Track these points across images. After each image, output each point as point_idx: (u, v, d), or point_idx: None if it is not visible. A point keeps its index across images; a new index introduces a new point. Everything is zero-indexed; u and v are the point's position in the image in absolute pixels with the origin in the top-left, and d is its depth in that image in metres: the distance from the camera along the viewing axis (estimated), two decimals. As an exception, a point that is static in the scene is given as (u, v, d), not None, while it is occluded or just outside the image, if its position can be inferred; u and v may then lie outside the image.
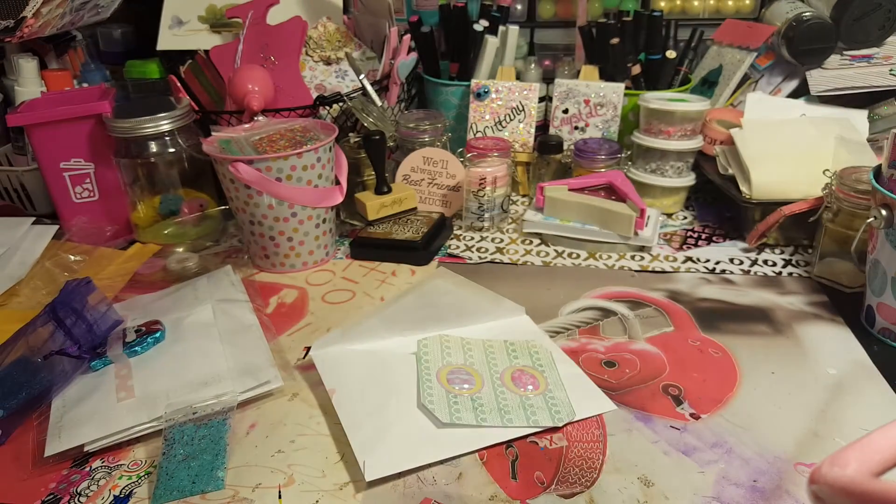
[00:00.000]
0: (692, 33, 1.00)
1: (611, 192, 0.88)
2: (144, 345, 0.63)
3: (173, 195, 0.88)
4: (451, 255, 0.85)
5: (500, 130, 0.98)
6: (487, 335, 0.66)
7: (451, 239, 0.89)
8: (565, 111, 0.98)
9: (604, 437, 0.54)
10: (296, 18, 1.00)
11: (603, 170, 0.90)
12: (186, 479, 0.50)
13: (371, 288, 0.78)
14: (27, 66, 1.03)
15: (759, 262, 0.81)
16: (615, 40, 0.96)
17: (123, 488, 0.51)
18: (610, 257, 0.83)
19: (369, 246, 0.84)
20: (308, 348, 0.65)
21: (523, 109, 0.97)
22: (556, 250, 0.85)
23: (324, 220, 0.82)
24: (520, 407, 0.56)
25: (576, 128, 0.98)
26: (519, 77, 1.05)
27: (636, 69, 0.99)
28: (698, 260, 0.81)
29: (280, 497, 0.49)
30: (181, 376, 0.60)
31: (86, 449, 0.53)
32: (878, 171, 0.64)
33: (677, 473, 0.50)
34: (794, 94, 1.01)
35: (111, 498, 0.50)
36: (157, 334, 0.65)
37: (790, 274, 0.78)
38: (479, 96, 0.98)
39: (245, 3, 1.00)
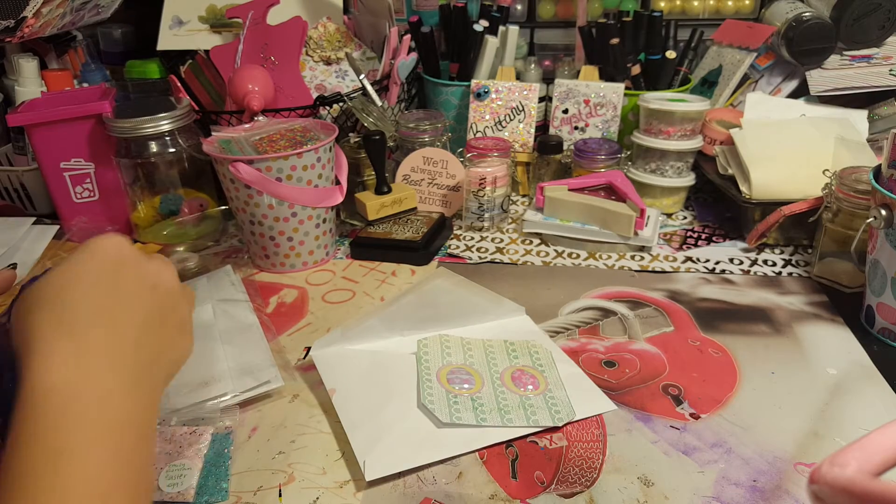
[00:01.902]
0: (692, 33, 1.00)
1: (611, 192, 0.88)
2: (145, 345, 0.63)
3: (173, 195, 0.88)
4: (451, 255, 0.85)
5: (500, 130, 0.98)
6: (487, 335, 0.66)
7: (451, 239, 0.89)
8: (565, 111, 0.98)
9: (604, 436, 0.54)
10: (296, 18, 1.00)
11: (603, 170, 0.90)
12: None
13: (371, 288, 0.78)
14: (27, 66, 1.03)
15: (759, 262, 0.81)
16: (615, 40, 0.96)
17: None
18: (610, 257, 0.83)
19: (369, 246, 0.84)
20: (308, 348, 0.65)
21: (523, 109, 0.97)
22: (556, 250, 0.85)
23: (324, 220, 0.82)
24: (520, 407, 0.56)
25: (576, 128, 0.98)
26: (519, 77, 1.05)
27: (636, 69, 0.99)
28: (698, 260, 0.82)
29: (280, 495, 0.49)
30: (181, 376, 0.59)
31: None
32: (877, 171, 0.64)
33: (677, 473, 0.50)
34: (794, 94, 1.01)
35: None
36: (158, 334, 0.64)
37: (790, 274, 0.78)
38: (479, 96, 0.98)
39: (245, 3, 1.00)
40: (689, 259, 0.82)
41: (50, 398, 0.33)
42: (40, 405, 0.33)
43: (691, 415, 0.56)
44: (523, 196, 1.02)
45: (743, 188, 0.82)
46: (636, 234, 0.82)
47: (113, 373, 0.36)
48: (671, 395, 0.59)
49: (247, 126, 0.83)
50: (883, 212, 0.61)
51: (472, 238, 0.89)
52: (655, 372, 0.62)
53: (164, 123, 0.82)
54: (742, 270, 0.79)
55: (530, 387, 0.59)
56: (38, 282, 0.38)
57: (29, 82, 1.03)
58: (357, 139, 0.93)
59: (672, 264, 0.81)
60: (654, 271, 0.80)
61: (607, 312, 0.71)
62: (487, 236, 0.89)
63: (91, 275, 0.38)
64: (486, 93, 0.98)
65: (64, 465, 0.31)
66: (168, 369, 0.42)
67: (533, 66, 1.09)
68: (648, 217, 0.85)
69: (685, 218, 0.93)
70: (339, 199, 0.82)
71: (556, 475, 0.50)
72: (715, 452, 0.52)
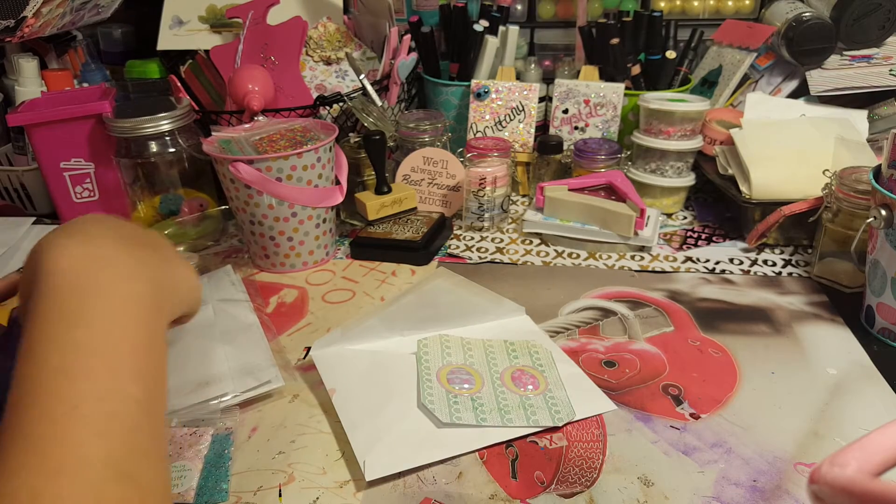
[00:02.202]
0: (692, 33, 1.00)
1: (611, 192, 0.88)
2: (145, 345, 0.63)
3: (173, 195, 0.88)
4: (451, 255, 0.85)
5: (500, 130, 0.98)
6: (487, 335, 0.66)
7: (451, 239, 0.89)
8: (565, 111, 0.98)
9: (604, 436, 0.54)
10: (296, 18, 1.00)
11: (603, 170, 0.90)
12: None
13: (371, 288, 0.78)
14: (27, 66, 1.03)
15: (759, 262, 0.81)
16: (615, 40, 0.96)
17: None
18: (610, 257, 0.83)
19: (369, 246, 0.84)
20: (308, 348, 0.65)
21: (523, 109, 0.97)
22: (556, 250, 0.85)
23: (324, 220, 0.82)
24: (520, 407, 0.56)
25: (576, 128, 0.98)
26: (519, 77, 1.05)
27: (636, 69, 0.99)
28: (698, 260, 0.82)
29: (280, 495, 0.49)
30: (181, 376, 0.60)
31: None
32: (877, 171, 0.64)
33: (677, 473, 0.50)
34: (794, 95, 1.01)
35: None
36: (158, 334, 0.64)
37: (790, 274, 0.78)
38: (479, 96, 0.98)
39: (245, 3, 1.00)
40: (689, 259, 0.82)
41: (62, 279, 0.35)
42: (53, 287, 0.35)
43: (691, 415, 0.56)
44: (523, 196, 1.02)
45: (743, 188, 0.82)
46: (636, 234, 0.82)
47: (120, 262, 0.39)
48: (671, 395, 0.59)
49: (247, 126, 0.83)
50: (883, 212, 0.61)
51: (472, 238, 0.89)
52: (655, 372, 0.62)
53: (164, 123, 0.82)
54: (742, 270, 0.79)
55: (530, 387, 0.59)
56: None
57: (29, 82, 1.03)
58: (357, 139, 0.93)
59: (672, 264, 0.81)
60: (654, 271, 0.80)
61: (607, 312, 0.71)
62: (487, 236, 0.89)
63: (93, 220, 0.42)
64: (486, 93, 0.98)
65: (81, 333, 0.34)
66: (174, 298, 0.44)
67: (533, 66, 1.09)
68: (648, 217, 0.85)
69: (685, 218, 0.93)
70: (339, 199, 0.82)
71: (556, 475, 0.50)
72: (715, 452, 0.52)
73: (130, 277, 0.38)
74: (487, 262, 0.83)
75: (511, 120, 0.98)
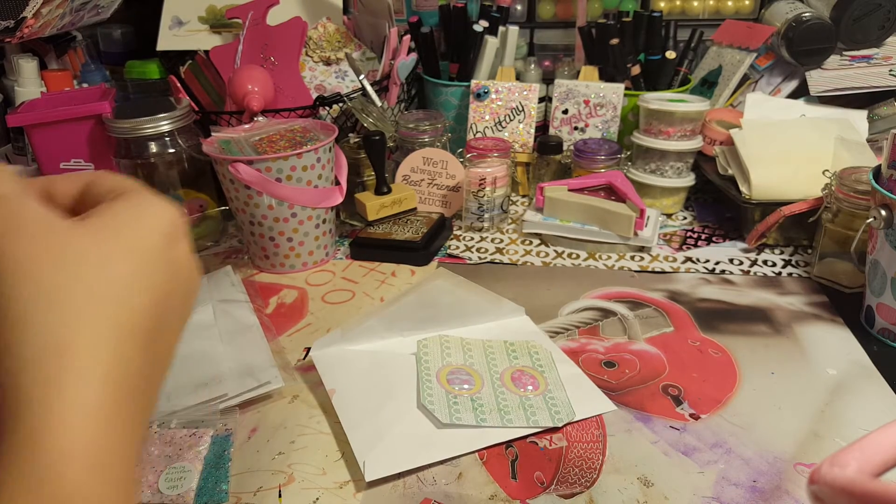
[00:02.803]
0: (692, 34, 1.00)
1: (610, 192, 0.88)
2: (144, 345, 0.63)
3: (173, 195, 0.88)
4: (451, 256, 0.85)
5: (500, 131, 0.98)
6: (487, 335, 0.66)
7: (451, 239, 0.89)
8: (565, 112, 0.98)
9: (603, 437, 0.54)
10: (296, 19, 1.00)
11: (603, 170, 0.90)
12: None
13: (371, 288, 0.78)
14: (27, 67, 1.03)
15: (759, 262, 0.81)
16: (615, 41, 0.96)
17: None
18: (610, 257, 0.83)
19: (369, 246, 0.84)
20: (308, 349, 0.65)
21: (523, 110, 0.97)
22: (555, 250, 0.85)
23: (324, 221, 0.82)
24: (519, 407, 0.56)
25: (575, 128, 0.98)
26: (519, 77, 1.05)
27: (636, 70, 0.99)
28: (698, 260, 0.82)
29: (280, 496, 0.49)
30: (181, 377, 0.60)
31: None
32: (877, 172, 0.64)
33: (677, 473, 0.50)
34: (794, 95, 1.01)
35: None
36: (157, 335, 0.64)
37: (790, 274, 0.78)
38: (478, 97, 0.98)
39: (245, 4, 1.00)
40: (688, 259, 0.82)
41: (56, 468, 0.24)
42: (42, 475, 0.24)
43: (691, 415, 0.56)
44: (523, 196, 1.02)
45: (743, 188, 0.82)
46: (636, 234, 0.82)
47: (125, 431, 0.27)
48: (671, 395, 0.59)
49: (247, 126, 0.83)
50: (883, 212, 0.61)
51: (472, 238, 0.89)
52: (655, 372, 0.62)
53: (163, 124, 0.82)
54: (742, 271, 0.79)
55: (530, 387, 0.59)
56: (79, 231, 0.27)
57: (29, 82, 1.03)
58: (357, 139, 0.93)
59: (672, 264, 0.81)
60: (653, 272, 0.80)
61: (607, 313, 0.71)
62: (487, 236, 0.89)
63: (150, 276, 0.29)
64: (485, 93, 0.97)
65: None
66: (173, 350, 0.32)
67: (533, 66, 1.09)
68: (648, 217, 0.85)
69: (685, 218, 0.93)
70: (339, 199, 0.82)
71: (556, 476, 0.50)
72: (715, 453, 0.52)
73: (130, 446, 0.27)
74: (487, 262, 0.83)
75: (511, 120, 0.98)
